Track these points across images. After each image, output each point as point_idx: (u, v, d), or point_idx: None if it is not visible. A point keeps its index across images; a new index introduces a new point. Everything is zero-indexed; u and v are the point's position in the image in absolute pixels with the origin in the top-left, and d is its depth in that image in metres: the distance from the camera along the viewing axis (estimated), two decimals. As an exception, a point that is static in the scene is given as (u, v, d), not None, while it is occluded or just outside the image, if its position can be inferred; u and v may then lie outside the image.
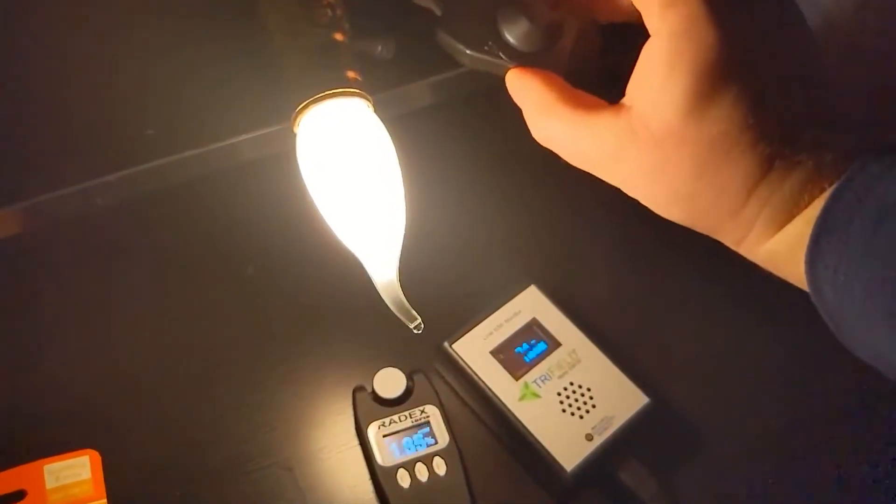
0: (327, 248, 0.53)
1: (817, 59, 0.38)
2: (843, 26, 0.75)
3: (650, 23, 0.37)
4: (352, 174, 0.48)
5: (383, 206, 0.49)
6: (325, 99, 0.48)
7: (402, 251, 0.51)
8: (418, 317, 0.49)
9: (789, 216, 0.36)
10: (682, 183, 0.37)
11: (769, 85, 0.36)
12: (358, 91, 0.49)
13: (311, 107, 0.48)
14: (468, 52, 0.44)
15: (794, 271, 0.36)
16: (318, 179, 0.49)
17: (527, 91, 0.43)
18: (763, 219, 0.37)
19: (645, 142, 0.37)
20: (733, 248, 0.40)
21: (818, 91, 0.38)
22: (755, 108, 0.36)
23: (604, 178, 0.41)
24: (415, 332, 0.49)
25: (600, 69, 0.44)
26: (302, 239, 0.62)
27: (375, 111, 0.51)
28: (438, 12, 0.46)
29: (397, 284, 0.49)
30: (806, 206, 0.36)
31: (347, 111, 0.49)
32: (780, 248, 0.37)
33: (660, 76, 0.36)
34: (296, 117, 0.49)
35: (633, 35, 0.39)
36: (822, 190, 0.35)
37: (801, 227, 0.36)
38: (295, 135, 0.49)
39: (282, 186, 0.57)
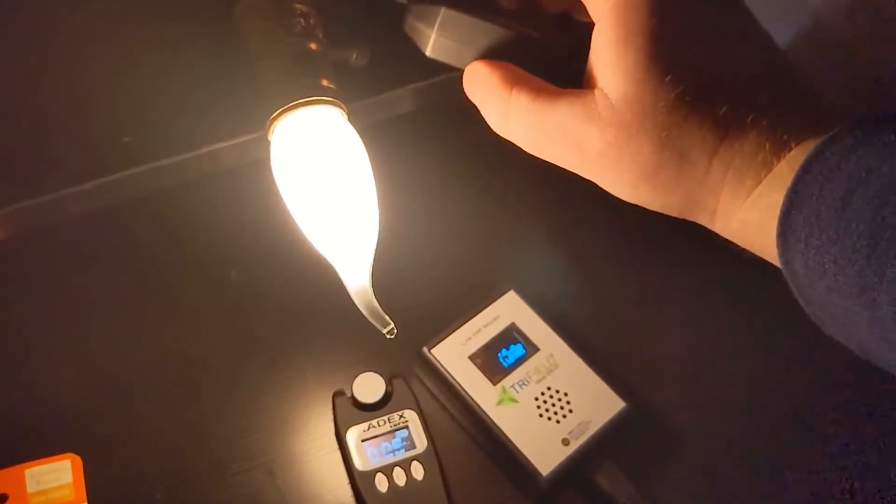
0: (308, 254, 0.54)
1: (767, 35, 0.39)
2: (834, 29, 0.75)
3: (594, 6, 0.38)
4: (325, 182, 0.49)
5: (356, 213, 0.49)
6: (298, 107, 0.48)
7: (381, 257, 0.52)
8: (391, 322, 0.49)
9: (756, 180, 0.36)
10: (646, 157, 0.37)
11: (720, 46, 0.37)
12: (331, 99, 0.50)
13: (284, 115, 0.49)
14: (445, 9, 0.44)
15: (767, 243, 0.36)
16: (291, 186, 0.49)
17: (485, 82, 0.42)
18: (730, 183, 0.37)
19: (607, 119, 0.37)
20: (709, 225, 0.39)
21: (772, 56, 0.38)
22: (708, 69, 0.36)
23: (568, 167, 0.40)
24: (388, 336, 0.50)
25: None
26: (283, 245, 0.62)
27: (350, 119, 0.52)
28: (404, 0, 0.47)
29: (370, 290, 0.50)
30: (771, 171, 0.36)
31: (321, 119, 0.49)
32: (752, 216, 0.37)
33: (612, 49, 0.37)
34: (270, 125, 0.49)
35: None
36: (790, 149, 0.35)
37: (771, 194, 0.36)
38: (270, 142, 0.50)
39: (261, 193, 0.57)
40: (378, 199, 0.52)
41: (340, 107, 0.50)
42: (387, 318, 0.49)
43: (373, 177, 0.51)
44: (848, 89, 0.76)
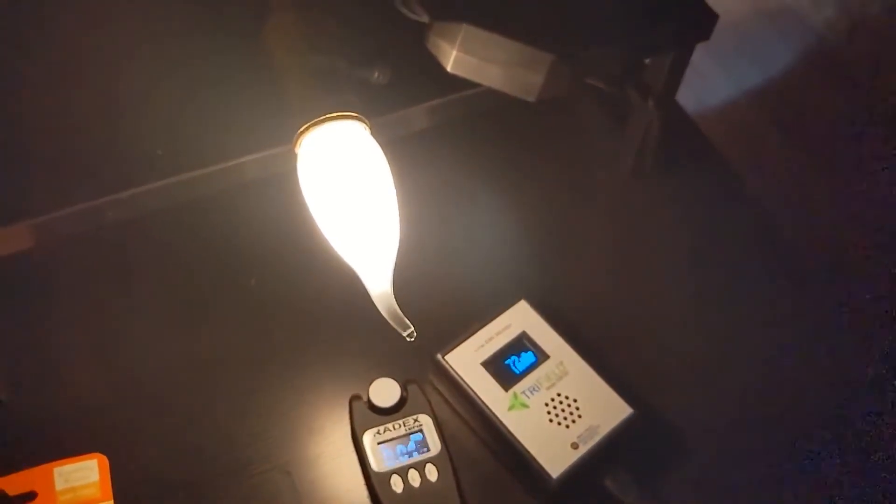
0: (328, 263, 0.56)
1: None
2: (835, 50, 0.76)
3: None
4: (349, 193, 0.51)
5: (378, 222, 0.52)
6: (325, 122, 0.51)
7: (398, 266, 0.54)
8: (411, 325, 0.52)
9: None
10: None
11: None
12: (355, 115, 0.52)
13: (311, 129, 0.51)
14: (467, 26, 0.45)
15: None
16: (317, 197, 0.52)
17: None
18: None
19: None
20: None
21: None
22: None
23: None
24: (407, 339, 0.52)
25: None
26: (303, 254, 0.64)
27: (373, 134, 0.54)
28: (426, 20, 0.49)
29: (391, 295, 0.52)
30: None
31: (346, 133, 0.52)
32: None
33: None
34: (297, 139, 0.52)
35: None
36: None
37: None
38: (296, 155, 0.53)
39: (285, 204, 0.59)
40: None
41: (364, 122, 0.53)
42: (407, 321, 0.52)
43: (394, 188, 0.53)
44: (850, 109, 0.78)
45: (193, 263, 0.74)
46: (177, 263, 0.74)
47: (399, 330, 0.52)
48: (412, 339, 0.52)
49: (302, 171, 0.52)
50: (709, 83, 0.88)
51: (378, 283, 0.52)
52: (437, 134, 0.78)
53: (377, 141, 0.54)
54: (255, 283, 0.74)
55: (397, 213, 0.53)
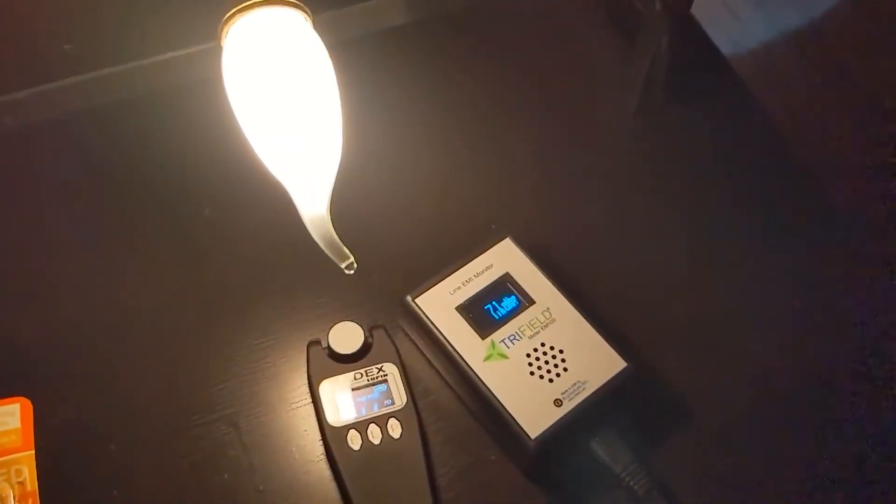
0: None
1: None
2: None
3: None
4: (279, 93, 0.44)
5: (315, 131, 0.44)
6: (253, 7, 0.44)
7: (365, 195, 0.47)
8: (350, 255, 0.44)
9: None
10: None
11: None
12: (293, 1, 0.44)
13: (238, 16, 0.44)
14: None
15: None
16: (242, 97, 0.44)
17: None
18: None
19: None
20: None
21: None
22: None
23: None
24: (346, 272, 0.45)
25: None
26: (258, 178, 0.57)
27: (317, 30, 0.47)
28: None
29: (328, 219, 0.45)
30: None
31: (279, 22, 0.44)
32: None
33: None
34: (221, 28, 0.44)
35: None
36: None
37: None
38: (221, 49, 0.45)
39: (227, 113, 0.52)
40: (361, 128, 0.47)
41: (304, 10, 0.45)
42: (346, 250, 0.44)
43: (338, 92, 0.45)
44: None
45: (126, 180, 0.67)
46: (108, 180, 0.67)
47: (336, 260, 0.45)
48: (352, 272, 0.45)
49: (226, 66, 0.45)
50: (744, 24, 0.82)
51: (311, 203, 0.45)
52: (403, 36, 0.70)
53: (323, 40, 0.47)
54: (210, 212, 0.67)
55: (340, 121, 0.45)
